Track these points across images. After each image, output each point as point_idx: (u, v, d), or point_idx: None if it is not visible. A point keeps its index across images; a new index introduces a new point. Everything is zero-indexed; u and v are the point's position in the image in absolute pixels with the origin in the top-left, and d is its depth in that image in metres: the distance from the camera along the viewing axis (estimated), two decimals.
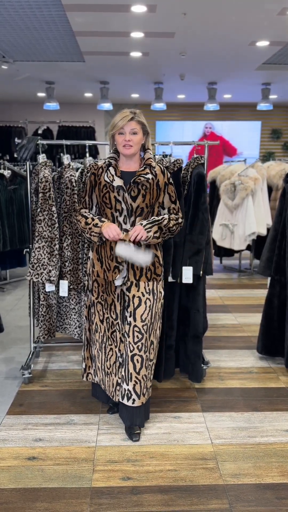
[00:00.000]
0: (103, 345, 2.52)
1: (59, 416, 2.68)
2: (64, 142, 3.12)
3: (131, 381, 2.41)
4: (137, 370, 2.41)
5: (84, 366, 2.68)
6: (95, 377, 2.64)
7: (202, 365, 3.09)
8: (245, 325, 4.22)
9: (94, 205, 2.50)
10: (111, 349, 2.49)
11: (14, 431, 2.53)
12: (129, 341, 2.41)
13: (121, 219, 2.39)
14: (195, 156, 2.94)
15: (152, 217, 2.41)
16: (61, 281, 3.01)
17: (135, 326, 2.39)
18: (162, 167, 2.47)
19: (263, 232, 5.56)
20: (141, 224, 2.35)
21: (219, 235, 5.82)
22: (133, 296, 2.41)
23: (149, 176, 2.38)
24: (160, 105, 8.97)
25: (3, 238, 5.03)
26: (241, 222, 5.57)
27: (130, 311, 2.41)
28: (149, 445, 2.40)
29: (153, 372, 2.54)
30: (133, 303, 2.41)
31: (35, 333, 3.34)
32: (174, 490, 2.08)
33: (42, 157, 3.06)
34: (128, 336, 2.41)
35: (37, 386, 3.04)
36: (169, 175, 2.50)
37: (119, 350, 2.47)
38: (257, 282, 5.84)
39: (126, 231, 2.37)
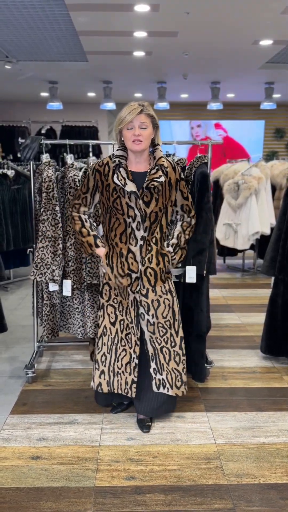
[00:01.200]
0: (114, 346, 2.48)
1: (62, 416, 2.68)
2: (67, 141, 3.12)
3: (164, 371, 2.45)
4: (167, 361, 2.46)
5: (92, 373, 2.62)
6: (95, 382, 2.56)
7: (206, 364, 3.08)
8: (248, 325, 4.22)
9: (94, 204, 2.44)
10: (124, 349, 2.46)
11: (18, 430, 2.53)
12: (155, 337, 2.43)
13: (134, 225, 2.30)
14: (198, 155, 2.93)
15: (171, 241, 2.41)
16: (64, 281, 3.01)
17: (158, 323, 2.43)
18: (173, 163, 2.37)
19: (267, 231, 5.54)
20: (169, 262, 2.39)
21: (222, 234, 5.81)
22: (152, 300, 2.40)
23: (162, 179, 2.27)
24: (163, 105, 8.96)
25: (6, 238, 5.04)
26: (245, 221, 5.56)
27: (152, 314, 2.41)
28: (153, 445, 2.40)
29: (185, 369, 2.54)
30: (153, 306, 2.41)
31: (38, 333, 3.34)
32: (177, 489, 2.08)
33: (45, 157, 3.06)
34: (154, 333, 2.43)
35: (41, 386, 3.04)
36: (179, 170, 2.40)
37: (135, 351, 2.43)
38: (261, 281, 5.83)
39: (142, 238, 2.32)
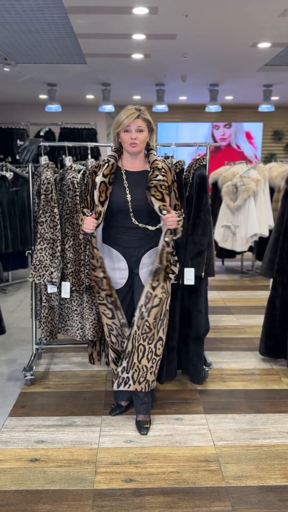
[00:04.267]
0: (119, 338, 2.55)
1: (61, 418, 2.68)
2: (66, 144, 3.12)
3: (131, 369, 2.47)
4: (139, 359, 2.46)
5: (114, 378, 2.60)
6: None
7: (204, 366, 3.08)
8: (247, 327, 4.22)
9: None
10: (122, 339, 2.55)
11: (16, 432, 2.53)
12: (138, 334, 2.44)
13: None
14: (197, 157, 2.94)
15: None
16: (63, 283, 3.01)
17: (146, 321, 2.43)
18: (168, 165, 2.46)
19: (265, 233, 5.55)
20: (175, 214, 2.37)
21: (221, 236, 5.81)
22: (155, 295, 2.42)
23: (160, 177, 2.35)
24: (162, 107, 8.98)
25: (5, 240, 5.04)
26: (243, 223, 5.57)
27: (148, 307, 2.42)
28: (152, 447, 2.40)
29: (157, 369, 2.54)
30: (153, 301, 2.42)
31: (37, 335, 3.34)
32: (176, 492, 2.07)
33: (44, 159, 3.06)
34: (139, 329, 2.44)
35: (39, 388, 3.04)
36: (174, 172, 2.51)
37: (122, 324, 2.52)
38: (259, 283, 5.83)
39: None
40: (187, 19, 5.15)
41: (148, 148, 2.45)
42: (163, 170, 2.39)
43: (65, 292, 3.01)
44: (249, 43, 6.11)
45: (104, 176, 2.36)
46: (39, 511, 1.96)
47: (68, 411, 2.75)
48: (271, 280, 3.38)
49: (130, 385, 2.50)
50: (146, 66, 7.34)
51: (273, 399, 2.91)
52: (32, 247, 3.08)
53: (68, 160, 3.04)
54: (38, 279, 2.93)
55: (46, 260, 2.93)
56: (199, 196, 2.86)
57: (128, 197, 2.38)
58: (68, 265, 3.00)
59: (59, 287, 3.05)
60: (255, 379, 3.19)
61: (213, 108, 8.98)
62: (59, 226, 2.94)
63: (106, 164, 2.39)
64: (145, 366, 2.48)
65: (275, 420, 2.66)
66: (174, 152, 3.09)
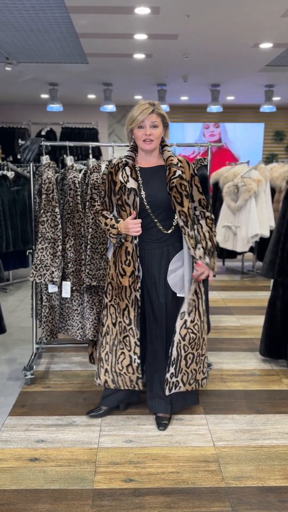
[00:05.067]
0: (114, 348, 2.50)
1: (61, 418, 2.68)
2: (67, 143, 3.12)
3: (180, 373, 2.47)
4: (188, 365, 2.47)
5: (96, 370, 2.62)
6: (102, 379, 2.58)
7: None
8: (247, 327, 4.22)
9: (113, 206, 2.46)
10: (122, 353, 2.47)
11: (16, 432, 2.53)
12: (184, 344, 2.42)
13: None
14: (198, 158, 2.94)
15: (203, 242, 2.37)
16: (63, 282, 3.01)
17: (191, 329, 2.42)
18: (186, 159, 2.40)
19: (266, 234, 5.55)
20: (207, 263, 2.37)
21: (222, 236, 5.81)
22: (196, 300, 2.43)
23: (179, 172, 2.29)
24: (163, 107, 8.95)
25: (6, 239, 5.04)
26: (244, 224, 5.57)
27: (193, 316, 2.42)
28: (151, 447, 2.39)
29: (205, 366, 2.58)
30: (195, 308, 2.43)
31: (37, 334, 3.34)
32: (176, 492, 2.07)
33: (45, 159, 3.06)
34: (184, 339, 2.42)
35: (40, 387, 3.04)
36: (193, 165, 2.44)
37: (135, 353, 2.45)
38: (260, 284, 5.83)
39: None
40: (189, 19, 5.15)
41: (163, 145, 2.38)
42: (179, 164, 2.32)
43: (66, 292, 3.01)
44: (251, 43, 6.11)
45: (135, 179, 2.31)
46: (38, 511, 1.96)
47: (68, 410, 2.75)
48: (272, 280, 3.38)
49: (180, 387, 2.50)
50: (148, 66, 7.34)
51: (273, 400, 2.90)
52: (33, 246, 3.08)
53: (69, 160, 3.04)
54: (39, 279, 2.93)
55: (47, 259, 2.93)
56: None
57: (143, 194, 2.32)
58: (69, 265, 3.00)
59: (60, 287, 3.05)
60: (255, 379, 3.19)
61: (214, 108, 8.98)
62: (60, 226, 2.94)
63: (127, 167, 2.32)
64: (194, 369, 2.49)
65: (275, 421, 2.66)
66: (175, 152, 3.08)
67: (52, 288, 2.99)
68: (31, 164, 3.09)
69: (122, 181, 2.30)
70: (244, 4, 4.70)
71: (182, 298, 2.43)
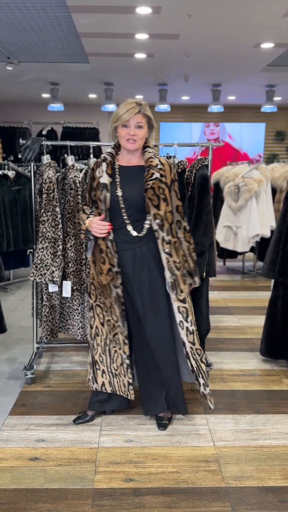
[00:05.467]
0: (107, 347, 2.48)
1: (61, 417, 2.68)
2: (68, 143, 3.12)
3: (205, 375, 2.48)
4: (204, 368, 2.49)
5: (92, 374, 2.57)
6: (99, 382, 2.55)
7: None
8: (248, 327, 4.22)
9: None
10: (115, 351, 2.47)
11: (17, 431, 2.53)
12: (196, 348, 2.42)
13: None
14: (199, 157, 2.94)
15: (185, 265, 2.39)
16: (64, 282, 3.01)
17: (195, 330, 2.42)
18: (169, 163, 2.35)
19: (267, 234, 5.55)
20: (194, 282, 2.41)
21: (222, 236, 5.81)
22: (188, 302, 2.40)
23: (157, 175, 2.26)
24: (164, 107, 8.98)
25: (6, 239, 5.04)
26: (245, 224, 5.57)
27: (191, 320, 2.38)
28: (151, 447, 2.40)
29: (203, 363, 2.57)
30: (191, 311, 2.41)
31: (38, 334, 3.34)
32: (176, 492, 2.07)
33: (46, 158, 3.06)
34: (194, 344, 2.41)
35: (40, 387, 3.04)
36: (175, 170, 2.41)
37: (124, 352, 2.44)
38: (261, 284, 5.83)
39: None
40: (190, 19, 5.15)
41: (145, 146, 2.34)
42: (158, 167, 2.28)
43: (66, 291, 3.02)
44: (252, 43, 6.10)
45: (109, 175, 2.30)
46: (38, 510, 1.96)
47: (68, 410, 2.75)
48: (272, 281, 3.37)
49: (208, 386, 2.50)
50: (149, 66, 7.34)
51: (273, 400, 2.90)
52: (34, 246, 3.08)
53: (70, 159, 3.05)
54: (39, 278, 2.93)
55: (48, 259, 2.93)
56: (201, 196, 2.86)
57: (118, 192, 2.29)
58: (70, 264, 3.00)
59: (60, 286, 3.05)
60: (255, 379, 3.19)
61: (215, 108, 8.98)
62: (60, 225, 2.94)
63: (104, 163, 2.32)
64: (202, 360, 2.50)
65: (275, 421, 2.66)
66: (176, 152, 3.08)
67: (53, 288, 2.99)
68: (32, 164, 3.09)
69: (97, 176, 2.30)
70: (245, 4, 4.70)
71: (160, 300, 2.38)
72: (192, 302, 2.95)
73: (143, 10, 4.87)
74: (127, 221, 2.31)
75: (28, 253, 3.20)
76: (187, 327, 2.37)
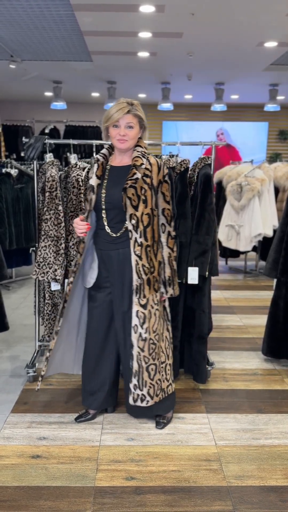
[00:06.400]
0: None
1: (63, 415, 2.68)
2: (71, 141, 3.12)
3: (145, 387, 2.38)
4: (152, 377, 2.39)
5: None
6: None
7: (207, 366, 3.08)
8: (250, 327, 4.21)
9: None
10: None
11: (19, 429, 2.54)
12: (144, 355, 2.34)
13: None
14: (202, 156, 2.93)
15: (159, 265, 2.35)
16: (66, 280, 3.02)
17: (150, 339, 2.34)
18: (159, 163, 2.29)
19: (269, 233, 5.54)
20: (171, 294, 2.39)
21: (225, 236, 5.80)
22: (149, 312, 2.32)
23: (137, 175, 2.21)
24: (167, 105, 8.97)
25: (9, 237, 5.05)
26: (247, 223, 5.56)
27: (146, 327, 2.31)
28: (153, 446, 2.40)
29: (171, 372, 2.54)
30: (149, 320, 2.32)
31: (40, 332, 3.35)
32: (177, 491, 2.08)
33: (49, 156, 3.06)
34: (143, 351, 2.33)
35: (42, 385, 3.04)
36: (165, 171, 2.31)
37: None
38: (263, 283, 5.82)
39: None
40: (194, 18, 5.14)
41: (136, 145, 2.30)
42: (143, 166, 2.23)
43: None
44: (256, 42, 6.09)
45: (98, 178, 2.29)
46: (40, 508, 1.97)
47: (70, 408, 2.76)
48: (275, 280, 3.37)
49: (148, 401, 2.39)
50: (152, 64, 7.33)
51: (275, 400, 2.90)
52: (36, 244, 3.09)
53: (73, 158, 3.05)
54: (42, 276, 2.93)
55: (50, 257, 2.93)
56: (203, 195, 2.86)
57: (103, 192, 2.28)
58: (72, 263, 3.01)
59: (63, 285, 3.05)
60: (257, 379, 3.18)
61: (218, 107, 8.96)
62: (63, 224, 2.95)
63: (96, 164, 2.32)
64: (159, 379, 2.42)
65: (277, 421, 2.66)
66: (180, 151, 3.08)
67: (55, 286, 3.00)
68: (34, 162, 3.09)
69: (89, 177, 2.33)
70: (249, 3, 4.69)
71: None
72: (195, 301, 2.96)
73: (147, 9, 4.86)
74: (105, 222, 2.31)
75: (30, 251, 3.21)
76: (140, 333, 2.31)
